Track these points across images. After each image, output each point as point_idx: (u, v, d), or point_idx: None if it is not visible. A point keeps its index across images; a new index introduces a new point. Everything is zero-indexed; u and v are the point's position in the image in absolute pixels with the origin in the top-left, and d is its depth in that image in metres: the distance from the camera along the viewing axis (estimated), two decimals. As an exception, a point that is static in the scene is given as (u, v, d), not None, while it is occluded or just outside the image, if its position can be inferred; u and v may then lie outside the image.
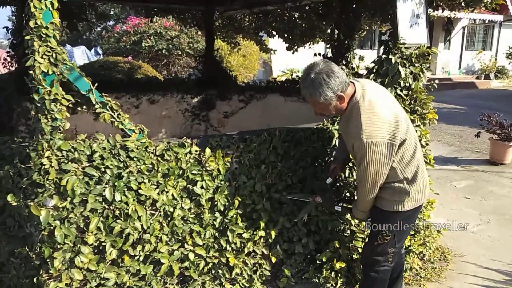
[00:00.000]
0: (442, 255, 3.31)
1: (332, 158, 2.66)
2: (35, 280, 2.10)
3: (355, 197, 2.42)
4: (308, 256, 2.76)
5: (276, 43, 6.68)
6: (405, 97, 2.89)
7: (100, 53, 12.31)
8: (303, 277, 2.73)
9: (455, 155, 6.44)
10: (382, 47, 3.08)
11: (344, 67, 4.92)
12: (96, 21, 5.84)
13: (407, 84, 2.89)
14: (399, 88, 2.88)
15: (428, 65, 3.05)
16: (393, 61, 2.86)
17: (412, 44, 2.98)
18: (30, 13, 1.91)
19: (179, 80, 6.78)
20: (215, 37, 6.29)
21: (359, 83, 2.13)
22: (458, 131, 8.08)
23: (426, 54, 3.00)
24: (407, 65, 2.90)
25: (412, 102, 2.99)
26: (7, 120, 4.54)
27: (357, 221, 2.85)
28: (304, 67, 2.11)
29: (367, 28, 6.02)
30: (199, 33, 10.77)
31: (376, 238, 2.26)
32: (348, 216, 2.76)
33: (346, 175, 2.84)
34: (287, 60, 10.67)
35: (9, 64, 4.96)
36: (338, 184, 2.80)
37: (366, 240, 2.44)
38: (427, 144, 3.07)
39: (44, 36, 1.95)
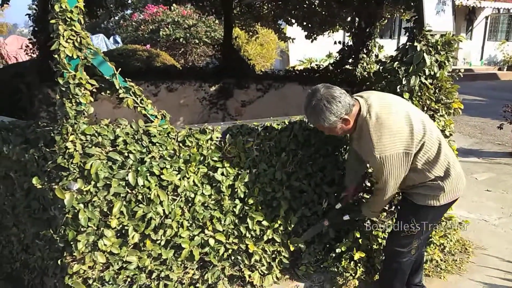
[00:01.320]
0: (463, 247, 3.25)
1: (345, 183, 2.62)
2: (59, 262, 2.14)
3: (369, 199, 2.41)
4: (328, 245, 2.75)
5: (294, 31, 6.61)
6: (429, 86, 2.82)
7: (118, 42, 12.40)
8: (322, 266, 2.73)
9: (477, 147, 6.31)
10: (406, 34, 3.01)
11: (365, 55, 4.86)
12: (115, 9, 5.86)
13: (432, 73, 2.82)
14: (424, 76, 2.81)
15: (453, 53, 2.98)
16: (418, 48, 2.78)
17: (438, 31, 2.90)
18: (56, -3, 1.91)
19: (197, 68, 6.78)
20: (233, 25, 6.25)
21: (363, 98, 2.09)
22: (479, 123, 7.91)
23: (452, 42, 2.92)
24: (433, 52, 2.82)
25: (437, 91, 2.92)
26: (29, 106, 4.61)
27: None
28: (307, 94, 2.09)
29: (389, 16, 5.89)
30: (217, 21, 10.74)
31: (404, 230, 2.23)
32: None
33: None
34: (305, 49, 10.55)
35: (31, 51, 5.02)
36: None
37: (391, 231, 2.41)
38: (450, 135, 3.00)
39: (68, 20, 1.95)
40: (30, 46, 4.99)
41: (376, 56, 4.66)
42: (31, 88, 4.66)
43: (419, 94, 2.81)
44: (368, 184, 2.78)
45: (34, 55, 5.06)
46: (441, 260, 3.01)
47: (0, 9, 10.71)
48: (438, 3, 2.94)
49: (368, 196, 2.70)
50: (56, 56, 1.96)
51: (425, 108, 2.84)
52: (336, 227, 2.71)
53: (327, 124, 2.03)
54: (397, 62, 2.85)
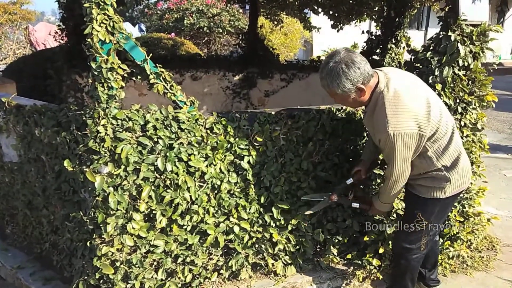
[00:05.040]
0: (490, 244, 3.18)
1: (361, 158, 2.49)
2: (88, 243, 2.19)
3: (379, 189, 2.30)
4: (353, 237, 2.72)
5: (318, 20, 6.51)
6: (463, 77, 2.74)
7: (143, 30, 12.49)
8: (346, 258, 2.70)
9: (505, 143, 6.13)
10: (440, 24, 2.92)
11: (393, 46, 4.75)
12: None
13: (466, 64, 2.72)
14: (457, 67, 2.72)
15: (488, 44, 2.87)
16: (452, 38, 2.69)
17: (473, 21, 2.80)
18: (89, -19, 1.92)
19: (222, 57, 6.77)
20: (258, 14, 6.20)
21: (382, 71, 1.99)
22: (509, 118, 7.67)
23: (487, 32, 2.82)
24: (467, 43, 2.73)
25: (470, 83, 2.82)
26: (57, 91, 4.71)
27: (403, 205, 2.77)
28: (326, 55, 1.97)
29: (419, 5, 5.74)
30: (241, 11, 10.68)
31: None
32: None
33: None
34: (329, 39, 10.38)
35: (60, 37, 5.10)
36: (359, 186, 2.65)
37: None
38: (482, 128, 2.91)
39: (102, 4, 1.96)
40: (59, 32, 5.07)
41: (408, 45, 4.54)
42: (60, 74, 4.75)
43: (451, 85, 2.73)
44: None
45: (63, 42, 5.13)
46: (468, 256, 2.94)
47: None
48: (475, -9, 2.83)
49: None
50: (89, 40, 1.97)
51: (458, 100, 2.75)
52: (343, 204, 2.59)
53: (340, 91, 1.90)
54: (429, 52, 2.77)
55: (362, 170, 2.38)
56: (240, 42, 6.41)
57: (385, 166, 2.29)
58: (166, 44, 8.04)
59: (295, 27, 10.37)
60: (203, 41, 10.46)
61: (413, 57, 2.95)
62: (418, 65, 2.83)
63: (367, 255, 2.68)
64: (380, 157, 2.50)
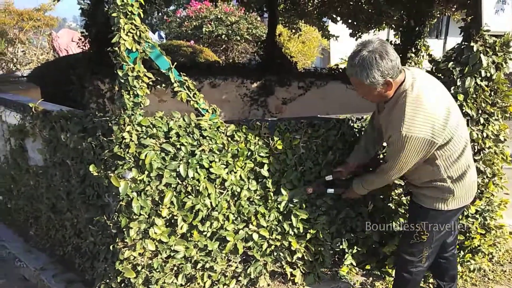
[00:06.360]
0: (512, 258, 3.12)
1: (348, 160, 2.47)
2: (111, 247, 2.23)
3: (366, 176, 2.26)
4: (372, 247, 2.70)
5: (336, 29, 6.51)
6: (485, 88, 2.71)
7: (163, 37, 12.69)
8: (365, 268, 2.69)
9: (528, 155, 5.99)
10: (461, 34, 2.90)
11: (413, 55, 4.73)
12: (163, 6, 6.00)
13: (489, 74, 2.70)
14: (480, 78, 2.70)
15: (511, 55, 2.84)
16: (474, 49, 2.68)
17: (496, 31, 2.77)
18: (118, -9, 1.98)
19: (240, 65, 6.83)
20: (277, 22, 6.24)
21: (410, 71, 1.96)
22: (531, 129, 7.50)
23: (510, 42, 2.79)
24: (490, 53, 2.71)
25: (493, 94, 2.80)
26: (80, 97, 4.81)
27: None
28: (357, 44, 1.92)
29: (439, 15, 5.70)
30: (259, 18, 10.76)
31: (412, 237, 2.14)
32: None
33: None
34: (347, 47, 10.38)
35: (83, 44, 5.22)
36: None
37: (400, 238, 2.34)
38: (505, 140, 2.87)
39: (129, 13, 2.02)
40: (82, 39, 5.19)
41: (430, 55, 4.51)
42: (82, 80, 4.86)
43: (474, 96, 2.70)
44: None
45: (85, 48, 5.25)
46: (490, 270, 2.90)
47: (52, 3, 11.21)
48: (498, 1, 2.81)
49: None
50: (116, 48, 2.03)
51: (480, 111, 2.73)
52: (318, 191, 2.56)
53: (369, 82, 1.85)
54: (451, 63, 2.75)
55: (343, 172, 2.42)
56: (258, 50, 6.46)
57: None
58: (185, 51, 8.16)
59: (313, 35, 10.39)
60: (221, 48, 10.56)
61: (434, 67, 2.94)
62: (440, 75, 2.82)
63: (387, 266, 2.66)
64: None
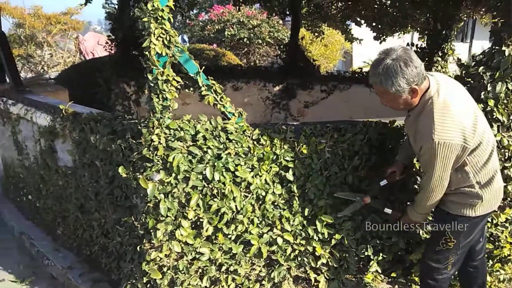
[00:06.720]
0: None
1: (395, 159, 2.41)
2: (138, 248, 2.26)
3: (415, 199, 2.19)
4: (398, 255, 2.66)
5: (359, 31, 6.46)
6: (517, 94, 2.64)
7: (186, 41, 12.85)
8: (390, 275, 2.64)
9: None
10: (493, 38, 2.83)
11: (439, 58, 4.65)
12: (187, 9, 6.08)
13: (521, 79, 2.63)
14: (511, 83, 2.63)
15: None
16: (506, 53, 2.61)
17: (529, 35, 2.70)
18: (149, -4, 2.01)
19: (262, 68, 6.86)
20: (300, 25, 6.24)
21: (434, 77, 1.94)
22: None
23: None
24: (523, 58, 2.64)
25: (525, 100, 2.72)
26: (106, 100, 4.91)
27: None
28: (379, 52, 1.91)
29: (466, 18, 5.59)
30: (280, 22, 10.77)
31: (438, 243, 2.10)
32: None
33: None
34: (370, 50, 10.27)
35: (109, 47, 5.33)
36: (393, 188, 2.57)
37: (426, 245, 2.29)
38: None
39: (160, 18, 2.05)
40: (109, 42, 5.30)
41: (459, 59, 4.44)
42: (109, 83, 4.96)
43: (505, 101, 2.63)
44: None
45: (112, 52, 5.36)
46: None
47: (79, 7, 11.51)
48: (531, 4, 2.73)
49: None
50: (146, 53, 2.06)
51: (511, 117, 2.66)
52: (376, 208, 2.46)
53: (394, 90, 1.83)
54: (482, 67, 2.69)
55: (396, 172, 2.34)
56: (281, 53, 6.47)
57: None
58: (208, 54, 8.24)
59: (335, 38, 10.34)
60: (243, 51, 10.62)
61: (463, 72, 2.88)
62: (469, 80, 2.76)
63: (413, 274, 2.61)
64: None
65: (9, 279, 3.00)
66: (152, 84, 2.07)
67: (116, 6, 5.44)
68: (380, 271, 2.60)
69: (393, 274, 2.64)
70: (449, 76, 4.30)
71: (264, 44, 10.58)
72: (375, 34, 5.87)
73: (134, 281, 2.30)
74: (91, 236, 2.87)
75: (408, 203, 2.36)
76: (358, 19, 5.81)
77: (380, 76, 1.85)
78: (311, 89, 6.00)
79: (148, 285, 2.26)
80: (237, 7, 6.40)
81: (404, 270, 2.63)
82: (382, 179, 2.35)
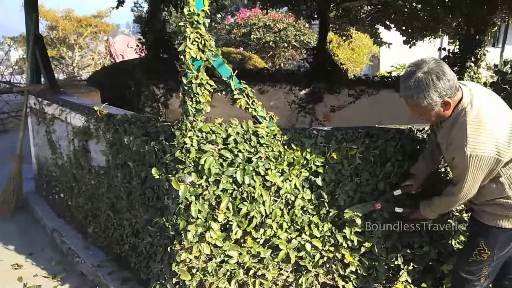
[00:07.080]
0: None
1: (412, 171, 2.37)
2: (168, 249, 2.29)
3: (434, 199, 2.15)
4: (429, 265, 2.59)
5: (387, 35, 6.37)
6: (558, 101, 2.54)
7: (213, 44, 13.02)
8: (420, 286, 2.58)
9: None
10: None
11: (472, 64, 4.53)
12: (216, 13, 6.14)
13: (562, 87, 2.54)
14: (550, 90, 2.55)
15: None
16: (547, 59, 2.53)
17: None
18: (185, 0, 2.05)
19: (289, 72, 6.85)
20: (328, 29, 6.21)
21: (467, 87, 1.89)
22: None
23: None
24: None
25: None
26: (136, 101, 5.01)
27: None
28: (409, 64, 1.88)
29: (499, 22, 5.44)
30: (307, 25, 10.74)
31: (471, 255, 2.05)
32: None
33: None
34: (398, 54, 10.12)
35: (140, 50, 5.44)
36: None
37: (459, 255, 2.24)
38: None
39: (195, 23, 2.08)
40: (140, 45, 5.41)
41: (495, 65, 4.33)
42: (139, 85, 5.06)
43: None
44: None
45: (142, 55, 5.47)
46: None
47: (109, 10, 11.82)
48: None
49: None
50: (181, 57, 2.10)
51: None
52: (386, 210, 2.46)
53: (426, 103, 1.80)
54: (519, 74, 2.61)
55: (414, 185, 2.32)
56: (307, 56, 6.44)
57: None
58: (235, 58, 8.31)
59: (363, 41, 10.24)
60: (268, 55, 10.65)
61: (500, 78, 2.80)
62: (506, 86, 2.68)
63: (444, 286, 2.54)
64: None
65: (41, 275, 3.09)
66: (186, 88, 2.10)
67: (146, 10, 5.56)
68: (410, 281, 2.54)
69: (423, 285, 2.57)
70: (485, 83, 4.21)
71: (290, 47, 10.57)
72: (404, 38, 5.79)
73: (163, 281, 2.33)
74: (122, 236, 2.92)
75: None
76: (388, 23, 5.74)
77: (412, 89, 1.81)
78: (338, 93, 5.95)
79: (177, 286, 2.28)
80: (265, 11, 6.41)
81: (434, 280, 2.56)
82: (396, 189, 2.36)
